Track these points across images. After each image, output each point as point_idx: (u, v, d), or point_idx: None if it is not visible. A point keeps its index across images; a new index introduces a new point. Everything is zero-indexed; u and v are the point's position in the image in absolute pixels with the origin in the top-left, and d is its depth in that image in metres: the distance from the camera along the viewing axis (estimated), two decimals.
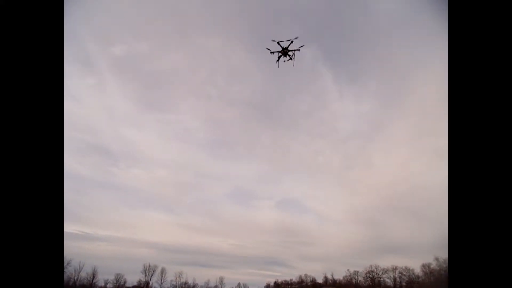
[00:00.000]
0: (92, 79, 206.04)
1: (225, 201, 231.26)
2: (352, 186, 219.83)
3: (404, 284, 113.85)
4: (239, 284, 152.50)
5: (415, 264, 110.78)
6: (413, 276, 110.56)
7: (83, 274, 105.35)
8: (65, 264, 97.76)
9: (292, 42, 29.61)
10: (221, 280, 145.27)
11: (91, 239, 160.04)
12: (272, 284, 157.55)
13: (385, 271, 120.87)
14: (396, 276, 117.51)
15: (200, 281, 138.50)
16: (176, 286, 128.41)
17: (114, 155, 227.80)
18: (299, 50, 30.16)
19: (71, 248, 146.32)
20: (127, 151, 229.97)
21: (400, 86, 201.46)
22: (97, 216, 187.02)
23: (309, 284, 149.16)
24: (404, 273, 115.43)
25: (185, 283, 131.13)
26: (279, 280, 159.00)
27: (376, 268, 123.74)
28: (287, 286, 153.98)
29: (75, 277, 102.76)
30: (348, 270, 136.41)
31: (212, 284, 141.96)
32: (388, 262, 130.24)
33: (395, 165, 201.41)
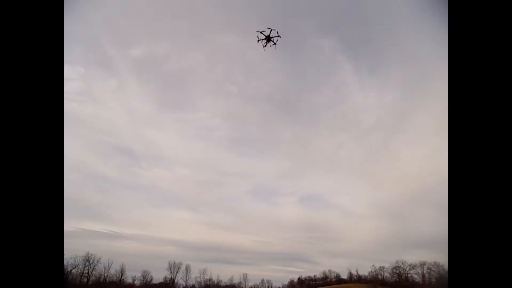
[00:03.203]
0: (113, 81, 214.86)
1: (247, 198, 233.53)
2: (377, 180, 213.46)
3: (434, 280, 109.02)
4: (262, 280, 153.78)
5: (445, 259, 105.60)
6: (443, 272, 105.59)
7: (112, 271, 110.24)
8: (95, 261, 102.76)
9: (272, 30, 36.21)
10: (245, 276, 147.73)
11: (119, 238, 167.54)
12: (295, 280, 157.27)
13: (413, 266, 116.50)
14: (424, 271, 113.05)
15: (224, 278, 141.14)
16: (200, 283, 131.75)
17: (137, 155, 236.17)
18: (280, 36, 36.29)
19: (100, 247, 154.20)
20: (149, 151, 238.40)
21: (424, 75, 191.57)
22: (123, 215, 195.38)
23: (333, 280, 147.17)
24: (434, 268, 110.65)
25: (209, 279, 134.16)
26: (303, 276, 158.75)
27: (403, 264, 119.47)
28: (311, 282, 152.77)
29: (105, 274, 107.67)
30: (373, 265, 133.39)
31: (236, 280, 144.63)
32: (415, 257, 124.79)
33: (421, 157, 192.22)
